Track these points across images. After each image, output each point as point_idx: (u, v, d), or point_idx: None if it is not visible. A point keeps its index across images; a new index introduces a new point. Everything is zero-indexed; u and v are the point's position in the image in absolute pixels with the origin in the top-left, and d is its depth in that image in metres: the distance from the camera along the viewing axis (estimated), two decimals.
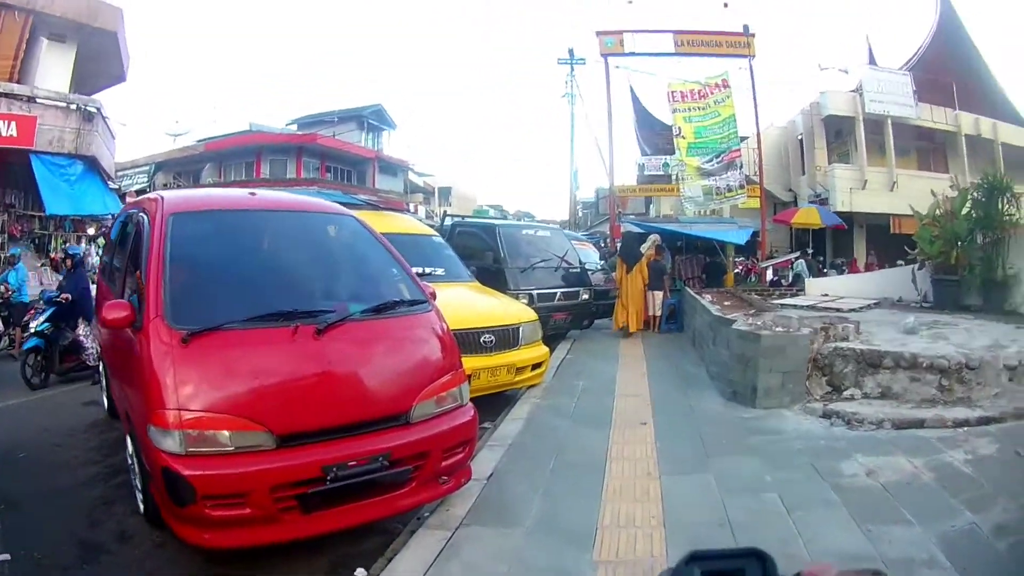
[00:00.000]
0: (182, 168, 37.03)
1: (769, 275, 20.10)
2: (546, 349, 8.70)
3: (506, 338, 7.81)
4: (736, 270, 20.45)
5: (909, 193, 23.53)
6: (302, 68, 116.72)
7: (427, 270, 8.19)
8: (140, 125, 79.65)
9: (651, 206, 32.68)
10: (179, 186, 33.98)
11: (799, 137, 27.23)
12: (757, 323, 8.43)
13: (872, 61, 25.45)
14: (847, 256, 24.01)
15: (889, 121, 23.92)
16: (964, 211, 11.75)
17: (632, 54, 20.21)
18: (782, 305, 11.62)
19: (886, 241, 23.36)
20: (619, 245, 16.65)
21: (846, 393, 7.53)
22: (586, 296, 12.34)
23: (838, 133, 26.08)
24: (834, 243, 23.78)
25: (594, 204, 44.53)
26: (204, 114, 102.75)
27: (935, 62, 25.52)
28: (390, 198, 34.38)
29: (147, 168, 36.77)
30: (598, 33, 20.09)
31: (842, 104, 24.36)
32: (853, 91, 24.83)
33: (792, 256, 20.51)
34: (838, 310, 11.06)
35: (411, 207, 27.41)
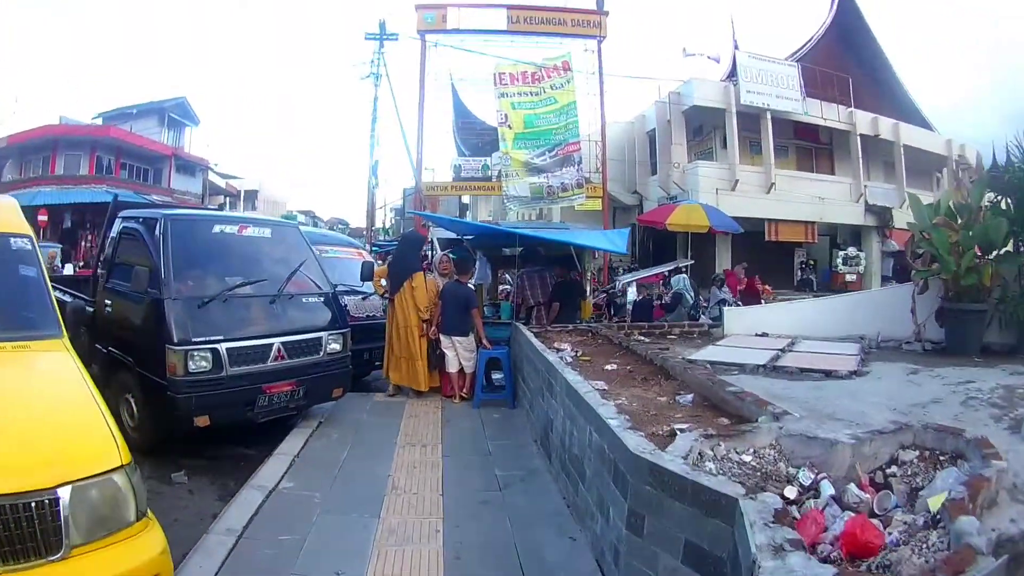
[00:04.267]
0: None
1: (631, 294, 14.21)
2: (156, 547, 2.82)
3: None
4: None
5: (788, 196, 19.18)
6: (114, 61, 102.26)
7: None
8: None
9: (468, 212, 26.68)
10: None
11: (649, 132, 22.09)
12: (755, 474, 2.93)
13: (736, 48, 20.57)
14: (705, 267, 18.47)
15: (768, 115, 19.18)
16: (983, 203, 6.75)
17: (456, 31, 16.24)
18: (711, 363, 5.52)
19: (759, 250, 18.58)
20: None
21: None
22: (336, 345, 6.40)
23: (698, 130, 21.30)
24: (689, 251, 17.85)
25: (402, 209, 36.42)
26: (16, 107, 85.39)
27: (829, 55, 21.40)
28: (185, 199, 28.86)
29: None
30: (418, 7, 16.25)
31: (711, 94, 19.38)
32: (725, 80, 19.88)
33: (666, 269, 14.49)
34: (829, 373, 5.20)
35: None
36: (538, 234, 10.27)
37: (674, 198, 18.76)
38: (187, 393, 5.09)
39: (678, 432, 3.21)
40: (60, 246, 14.76)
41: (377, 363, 8.04)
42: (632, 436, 3.12)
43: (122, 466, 2.80)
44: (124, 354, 5.65)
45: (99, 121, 32.76)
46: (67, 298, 7.65)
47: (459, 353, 7.51)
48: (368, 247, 17.70)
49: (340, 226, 37.53)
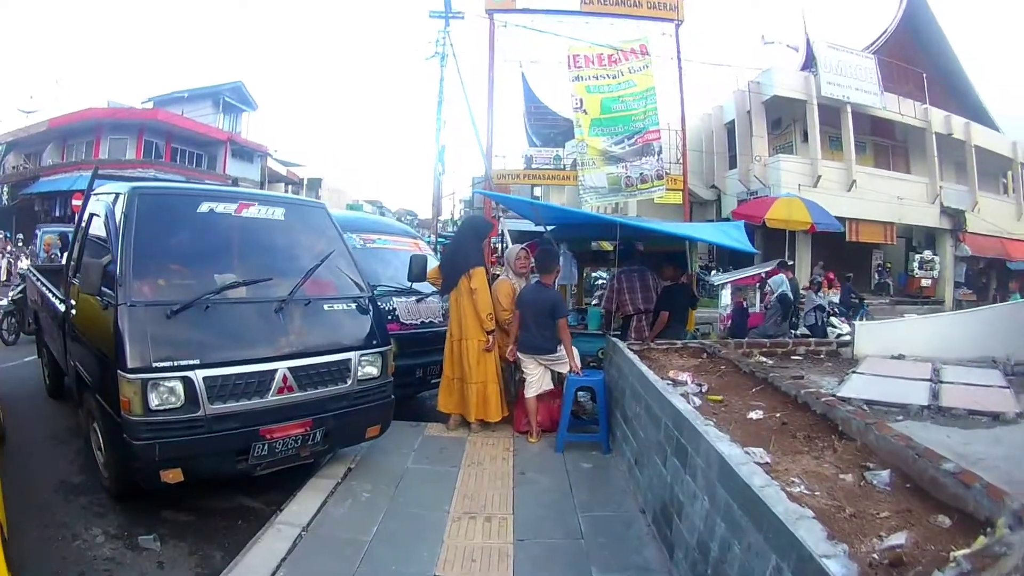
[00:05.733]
0: (31, 149, 29.74)
1: (726, 298, 12.83)
2: None
3: None
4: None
5: (868, 195, 17.80)
6: (167, 45, 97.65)
7: None
8: None
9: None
10: (26, 168, 29.26)
11: (727, 124, 20.84)
12: None
13: (808, 40, 19.20)
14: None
15: (848, 108, 17.87)
16: None
17: (526, 11, 14.87)
18: (867, 403, 3.81)
19: (837, 250, 17.29)
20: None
21: None
22: (373, 368, 4.50)
23: (777, 123, 20.01)
24: (765, 252, 15.53)
25: (471, 200, 33.74)
26: (57, 91, 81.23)
27: (900, 49, 20.06)
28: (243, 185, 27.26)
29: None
30: None
31: (792, 84, 18.12)
32: (803, 70, 18.53)
33: (764, 270, 12.74)
34: (997, 416, 3.65)
35: None
36: (647, 225, 8.04)
37: (754, 193, 17.51)
38: (147, 439, 3.49)
39: (900, 551, 1.84)
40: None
41: (434, 380, 6.18)
42: None
43: None
44: (86, 372, 4.24)
45: (149, 105, 31.15)
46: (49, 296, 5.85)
47: (539, 376, 5.53)
48: (433, 239, 16.43)
49: (408, 217, 36.02)
